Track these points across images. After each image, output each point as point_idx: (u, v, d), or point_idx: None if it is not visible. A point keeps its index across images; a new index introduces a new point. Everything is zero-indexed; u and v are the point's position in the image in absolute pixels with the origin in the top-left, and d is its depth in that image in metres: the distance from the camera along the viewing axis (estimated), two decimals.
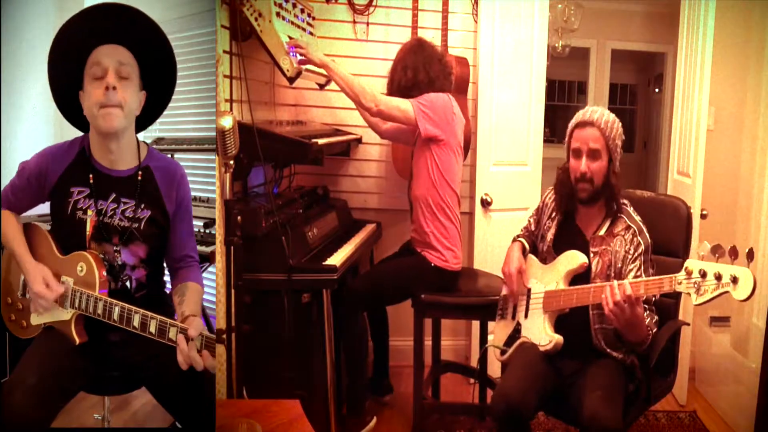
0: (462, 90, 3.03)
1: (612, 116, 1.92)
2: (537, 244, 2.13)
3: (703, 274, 1.58)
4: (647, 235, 1.89)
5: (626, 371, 1.91)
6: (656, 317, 1.88)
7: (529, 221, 2.21)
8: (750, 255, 1.54)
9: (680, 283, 1.62)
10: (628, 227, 1.90)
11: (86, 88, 1.59)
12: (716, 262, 1.57)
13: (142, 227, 1.68)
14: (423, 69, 2.49)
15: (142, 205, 1.68)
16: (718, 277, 1.56)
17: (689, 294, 1.61)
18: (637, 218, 1.93)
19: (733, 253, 1.54)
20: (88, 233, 1.64)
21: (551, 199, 2.08)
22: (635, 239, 1.88)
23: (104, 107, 1.56)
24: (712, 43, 2.74)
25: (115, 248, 1.66)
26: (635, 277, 1.84)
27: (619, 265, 1.88)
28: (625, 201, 1.97)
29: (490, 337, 2.58)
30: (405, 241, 2.74)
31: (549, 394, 1.89)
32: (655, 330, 1.85)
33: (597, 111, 1.91)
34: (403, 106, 2.42)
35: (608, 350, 1.91)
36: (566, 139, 1.97)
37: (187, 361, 1.44)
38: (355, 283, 2.58)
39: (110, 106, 1.56)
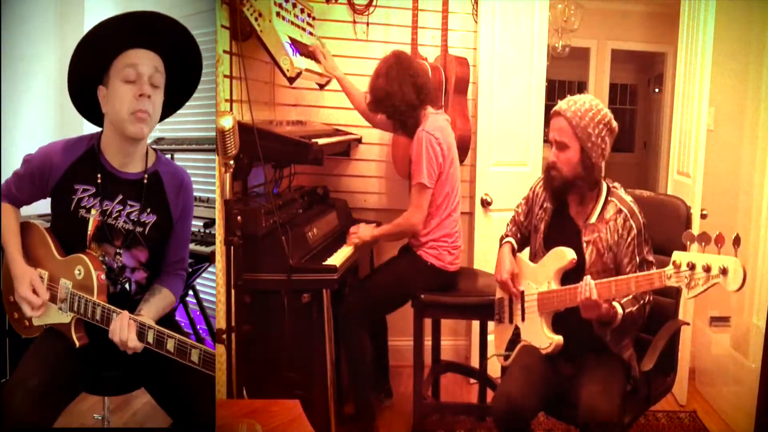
0: (462, 90, 3.03)
1: (588, 104, 1.87)
2: (530, 237, 2.09)
3: (692, 266, 1.55)
4: (639, 216, 1.86)
5: (625, 371, 1.91)
6: (640, 303, 1.83)
7: (516, 212, 2.17)
8: (736, 242, 1.50)
9: (670, 278, 1.60)
10: (620, 211, 1.87)
11: (116, 88, 1.56)
12: (703, 251, 1.55)
13: (146, 232, 1.67)
14: (399, 92, 2.46)
15: (148, 210, 1.67)
16: (707, 269, 1.53)
17: (680, 287, 1.59)
18: (629, 199, 1.89)
19: (720, 240, 1.51)
20: (89, 233, 1.63)
21: (542, 188, 2.05)
22: (627, 223, 1.85)
23: (135, 113, 1.55)
24: (712, 43, 2.74)
25: (116, 251, 1.65)
26: (629, 263, 1.83)
27: (615, 251, 1.86)
28: (615, 184, 1.94)
29: (490, 337, 2.58)
30: (404, 244, 2.74)
31: (550, 395, 1.89)
32: (631, 310, 1.79)
33: (571, 100, 1.88)
34: (426, 199, 2.46)
35: (606, 337, 1.90)
36: None
37: (121, 337, 1.48)
38: (352, 297, 2.56)
39: (142, 112, 1.55)
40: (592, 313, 1.76)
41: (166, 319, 1.71)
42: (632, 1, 5.90)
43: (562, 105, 1.89)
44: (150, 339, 1.48)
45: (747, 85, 3.07)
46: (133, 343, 1.49)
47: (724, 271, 1.51)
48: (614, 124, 1.90)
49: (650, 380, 1.94)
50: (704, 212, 2.83)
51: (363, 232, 2.58)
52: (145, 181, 1.67)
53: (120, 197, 1.64)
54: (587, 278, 1.75)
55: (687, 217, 2.06)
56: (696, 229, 2.75)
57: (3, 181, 1.72)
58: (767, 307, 2.52)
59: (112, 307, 1.54)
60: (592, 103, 1.89)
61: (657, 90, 7.45)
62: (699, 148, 2.79)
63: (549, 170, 1.92)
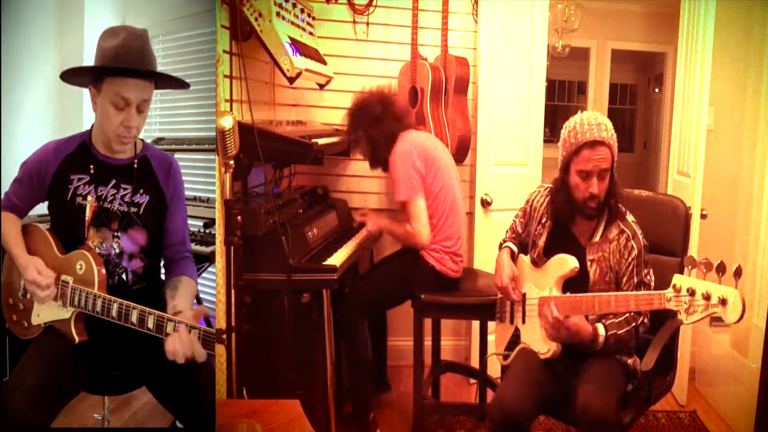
0: (462, 90, 3.04)
1: (609, 122, 1.85)
2: (527, 248, 2.08)
3: (692, 292, 1.55)
4: (641, 237, 1.87)
5: (625, 371, 1.91)
6: (628, 328, 1.83)
7: (514, 221, 2.16)
8: (737, 273, 1.50)
9: (669, 300, 1.60)
10: (622, 231, 1.87)
11: (105, 107, 1.63)
12: (704, 278, 1.54)
13: (141, 212, 1.72)
14: (374, 132, 2.52)
15: (141, 190, 1.73)
16: (707, 297, 1.53)
17: (679, 312, 1.59)
18: (630, 219, 1.90)
19: (721, 269, 1.51)
20: (87, 219, 1.68)
21: (540, 203, 2.02)
22: (629, 244, 1.86)
23: (120, 137, 1.65)
24: (712, 43, 2.74)
25: (114, 234, 1.69)
26: (627, 282, 1.85)
27: (616, 270, 1.87)
28: (619, 204, 1.92)
29: (490, 337, 2.59)
30: None
31: (549, 399, 1.88)
32: (615, 332, 1.81)
33: (602, 125, 1.82)
34: (419, 209, 2.46)
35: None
36: (567, 153, 1.86)
37: (185, 352, 1.43)
38: (353, 291, 2.56)
39: (126, 138, 1.66)
40: (560, 334, 1.78)
41: (164, 307, 1.72)
42: (632, 1, 5.90)
43: (600, 133, 1.80)
44: (150, 324, 1.51)
45: (747, 85, 3.07)
46: (201, 356, 1.46)
47: (723, 302, 1.51)
48: None
49: (650, 380, 1.94)
50: (704, 212, 2.83)
51: (374, 220, 2.64)
52: (135, 165, 1.73)
53: (113, 182, 1.71)
54: (551, 302, 1.78)
55: (686, 217, 2.06)
56: (696, 229, 2.76)
57: (2, 180, 1.74)
58: (767, 307, 2.52)
59: (112, 297, 1.57)
60: (608, 121, 1.86)
61: (657, 90, 7.45)
62: (699, 148, 2.80)
63: (588, 201, 1.85)
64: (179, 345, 1.43)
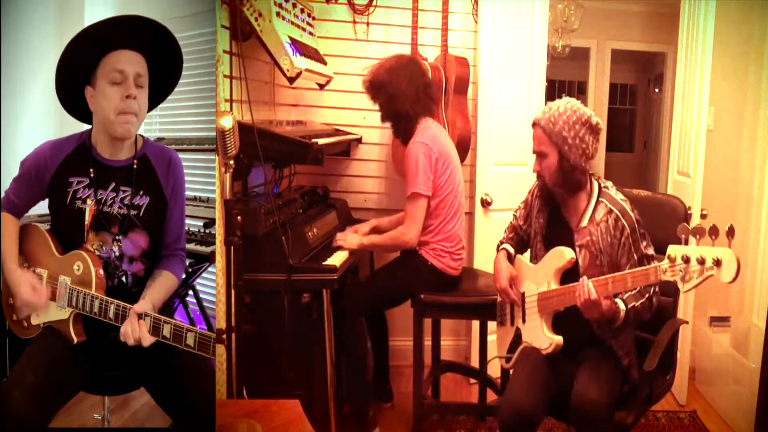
0: (462, 90, 3.04)
1: (563, 107, 1.88)
2: (530, 241, 2.09)
3: (686, 260, 1.56)
4: (631, 213, 1.85)
5: (621, 371, 1.90)
6: (645, 297, 1.83)
7: (515, 215, 2.18)
8: (730, 233, 1.50)
9: (665, 272, 1.61)
10: (610, 211, 1.85)
11: (103, 89, 1.61)
12: (698, 244, 1.55)
13: (141, 214, 1.70)
14: (398, 86, 2.47)
15: (141, 192, 1.71)
16: (701, 262, 1.53)
17: (675, 281, 1.59)
18: (619, 197, 1.88)
19: (714, 232, 1.51)
20: (86, 222, 1.66)
21: (537, 195, 2.06)
22: (619, 223, 1.83)
23: (122, 114, 1.61)
24: (712, 43, 2.74)
25: (115, 237, 1.68)
26: (627, 262, 1.83)
27: (609, 252, 1.85)
28: (607, 183, 1.93)
29: (490, 337, 2.59)
30: None
31: (554, 397, 1.88)
32: (634, 305, 1.80)
33: (548, 106, 1.91)
34: (421, 209, 2.45)
35: (609, 340, 1.90)
36: None
37: (134, 335, 1.51)
38: (353, 290, 2.57)
39: (128, 113, 1.61)
40: (593, 313, 1.76)
41: (164, 309, 1.72)
42: (632, 1, 5.90)
43: (538, 114, 1.92)
44: (147, 327, 1.51)
45: (747, 85, 3.07)
46: (148, 341, 1.52)
47: (717, 263, 1.51)
48: (594, 121, 1.88)
49: (651, 380, 1.94)
50: (704, 212, 2.83)
51: (350, 240, 2.54)
52: (135, 166, 1.71)
53: (113, 185, 1.69)
54: (584, 278, 1.75)
55: (685, 216, 2.06)
56: None
57: (3, 181, 1.73)
58: (767, 307, 2.52)
59: (110, 299, 1.57)
60: (566, 106, 1.88)
61: (657, 90, 7.45)
62: (699, 148, 2.80)
63: (537, 178, 1.97)
64: (129, 329, 1.51)
